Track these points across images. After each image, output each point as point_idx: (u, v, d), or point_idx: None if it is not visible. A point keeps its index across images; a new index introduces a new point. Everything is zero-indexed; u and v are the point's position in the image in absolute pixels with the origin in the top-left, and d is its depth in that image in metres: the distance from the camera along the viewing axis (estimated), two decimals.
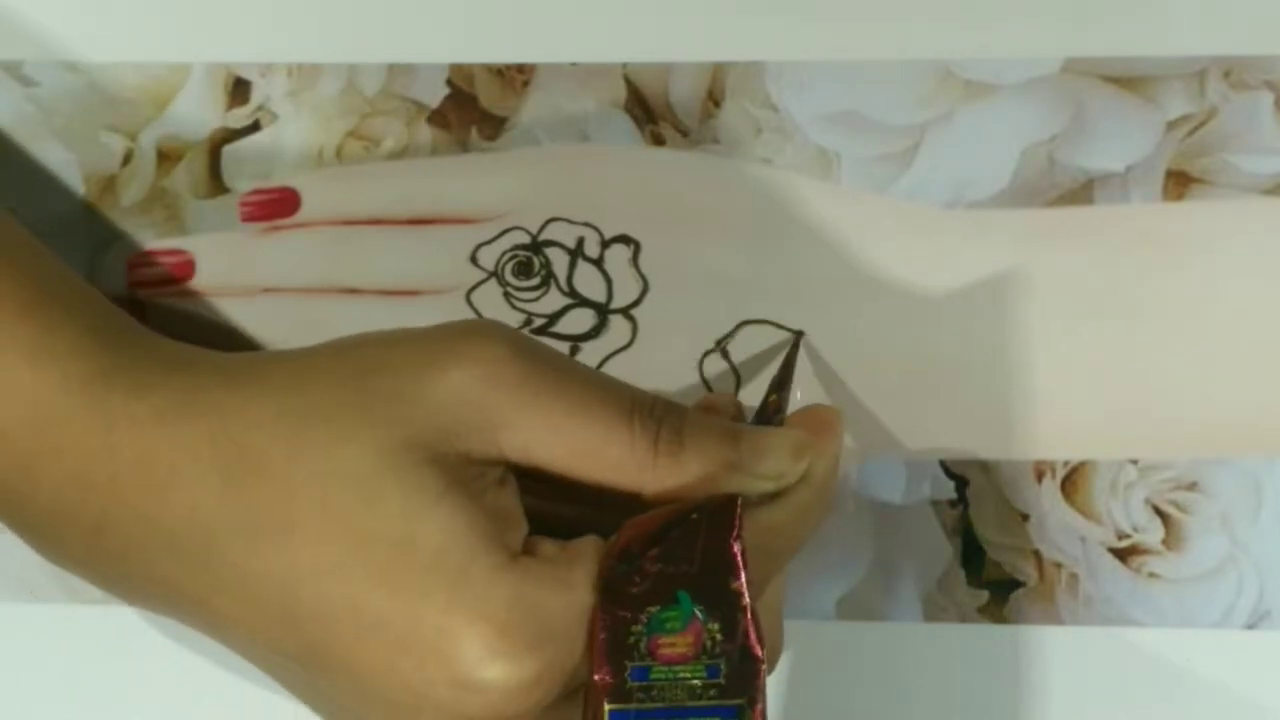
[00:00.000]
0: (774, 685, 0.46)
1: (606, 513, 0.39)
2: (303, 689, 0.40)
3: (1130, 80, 0.49)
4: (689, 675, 0.36)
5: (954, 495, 0.47)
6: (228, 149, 0.50)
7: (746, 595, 0.37)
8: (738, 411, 0.44)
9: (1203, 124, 0.49)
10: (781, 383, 0.45)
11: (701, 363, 0.48)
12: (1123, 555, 0.47)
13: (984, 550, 0.47)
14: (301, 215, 0.49)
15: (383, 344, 0.40)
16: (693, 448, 0.39)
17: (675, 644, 0.36)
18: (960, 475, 0.47)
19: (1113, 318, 0.48)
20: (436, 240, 0.49)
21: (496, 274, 0.49)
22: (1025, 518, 0.47)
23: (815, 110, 0.49)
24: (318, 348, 0.41)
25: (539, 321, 0.48)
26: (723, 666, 0.36)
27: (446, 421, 0.38)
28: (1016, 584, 0.47)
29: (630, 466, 0.39)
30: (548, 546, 0.38)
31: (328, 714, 0.40)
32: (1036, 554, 0.47)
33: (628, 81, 0.50)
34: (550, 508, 0.40)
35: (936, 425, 0.47)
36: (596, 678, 0.36)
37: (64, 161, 0.50)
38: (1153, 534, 0.47)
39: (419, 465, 0.37)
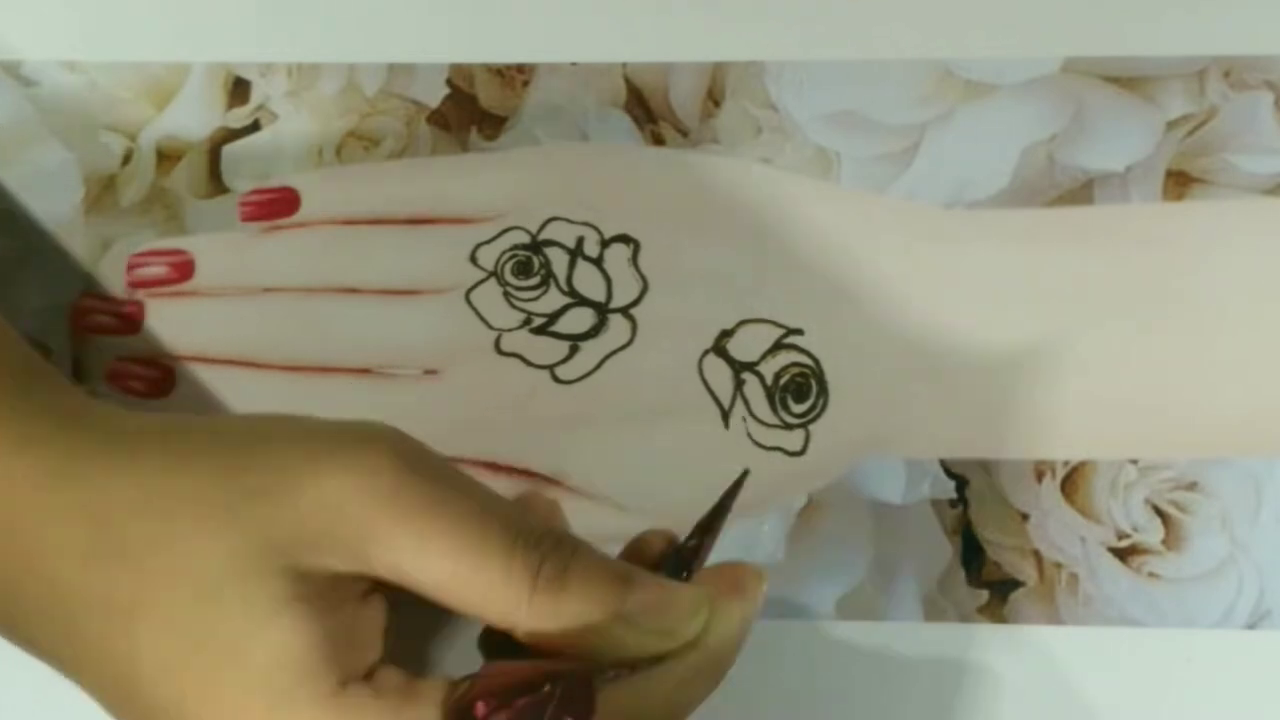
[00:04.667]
0: (774, 684, 0.46)
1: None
2: None
3: (1130, 80, 0.49)
4: None
5: (954, 495, 0.47)
6: (227, 149, 0.50)
7: None
8: (668, 549, 0.40)
9: (1202, 124, 0.49)
10: (708, 527, 0.41)
11: (701, 362, 0.48)
12: (1123, 555, 0.47)
13: (984, 550, 0.47)
14: (301, 215, 0.49)
15: (265, 436, 0.38)
16: (576, 590, 0.36)
17: None
18: (960, 475, 0.47)
19: (1112, 318, 0.48)
20: (436, 240, 0.49)
21: (496, 273, 0.49)
22: (1025, 517, 0.47)
23: (815, 110, 0.49)
24: (204, 425, 0.39)
25: (538, 321, 0.48)
26: None
27: (311, 530, 0.36)
28: (1016, 584, 0.47)
29: (504, 601, 0.36)
30: (393, 678, 0.36)
31: None
32: (1036, 554, 0.47)
33: (628, 81, 0.50)
34: (427, 628, 0.39)
35: (936, 425, 0.47)
36: None
37: (64, 161, 0.50)
38: (1153, 534, 0.47)
39: (270, 574, 0.35)
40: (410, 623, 0.38)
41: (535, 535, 0.37)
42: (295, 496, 0.36)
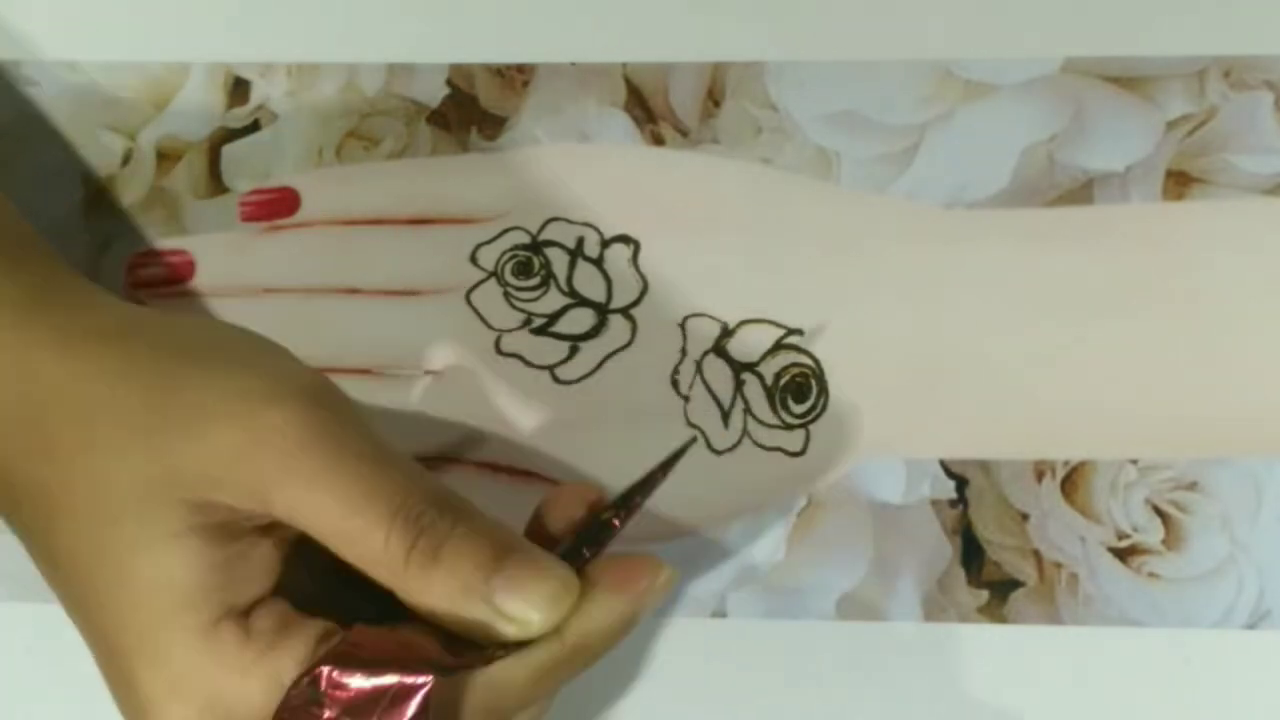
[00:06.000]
0: (774, 685, 0.46)
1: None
2: None
3: (1130, 80, 0.49)
4: None
5: (954, 495, 0.47)
6: (227, 149, 0.50)
7: None
8: (597, 503, 0.42)
9: (1202, 124, 0.49)
10: (627, 501, 0.41)
11: (700, 362, 0.48)
12: (1123, 555, 0.47)
13: (984, 550, 0.47)
14: (301, 215, 0.49)
15: (201, 360, 0.40)
16: (446, 567, 0.37)
17: None
18: (960, 475, 0.47)
19: (1112, 318, 0.48)
20: (436, 240, 0.49)
21: (496, 274, 0.49)
22: (1025, 517, 0.47)
23: (815, 110, 0.49)
24: (153, 330, 0.40)
25: (538, 321, 0.48)
26: None
27: (216, 468, 0.38)
28: (1016, 584, 0.47)
29: (383, 567, 0.38)
30: (268, 619, 0.38)
31: None
32: (1036, 554, 0.47)
33: (627, 81, 0.50)
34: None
35: (936, 425, 0.47)
36: None
37: (64, 161, 0.50)
38: (1152, 534, 0.47)
39: (170, 503, 0.37)
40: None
41: (418, 509, 0.38)
42: (206, 435, 0.38)
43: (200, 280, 0.49)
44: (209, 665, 0.37)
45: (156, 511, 0.37)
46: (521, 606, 0.38)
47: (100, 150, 0.50)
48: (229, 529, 0.38)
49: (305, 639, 0.38)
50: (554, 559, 0.39)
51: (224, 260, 0.49)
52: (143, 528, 0.37)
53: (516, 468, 0.47)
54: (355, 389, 0.48)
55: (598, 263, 0.49)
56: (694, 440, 0.47)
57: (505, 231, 0.49)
